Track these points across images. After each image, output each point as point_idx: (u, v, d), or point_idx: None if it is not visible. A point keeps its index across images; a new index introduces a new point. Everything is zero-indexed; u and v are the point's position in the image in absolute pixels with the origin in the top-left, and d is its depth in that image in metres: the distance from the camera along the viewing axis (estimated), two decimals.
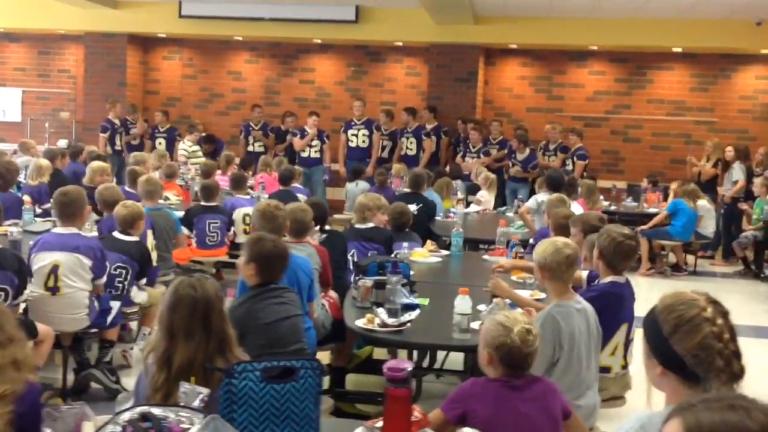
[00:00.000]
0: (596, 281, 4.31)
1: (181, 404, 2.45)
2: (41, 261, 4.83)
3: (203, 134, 12.75)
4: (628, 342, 4.27)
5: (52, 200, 5.22)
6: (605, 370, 4.00)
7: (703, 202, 10.03)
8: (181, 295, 2.82)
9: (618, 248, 4.08)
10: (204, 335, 2.76)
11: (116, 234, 5.47)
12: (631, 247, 4.14)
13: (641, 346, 2.17)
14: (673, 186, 10.69)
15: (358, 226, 5.91)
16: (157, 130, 12.81)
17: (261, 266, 3.78)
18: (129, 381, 5.26)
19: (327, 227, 6.13)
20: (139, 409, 2.36)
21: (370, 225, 5.89)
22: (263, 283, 3.81)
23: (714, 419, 1.56)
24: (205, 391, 2.44)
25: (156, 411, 2.35)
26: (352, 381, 5.38)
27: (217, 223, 7.38)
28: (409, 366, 2.46)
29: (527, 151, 11.54)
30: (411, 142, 12.13)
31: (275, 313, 3.78)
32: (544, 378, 2.97)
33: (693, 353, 2.02)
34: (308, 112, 12.31)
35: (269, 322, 3.74)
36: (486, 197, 9.97)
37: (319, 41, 13.39)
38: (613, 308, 3.96)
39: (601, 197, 9.77)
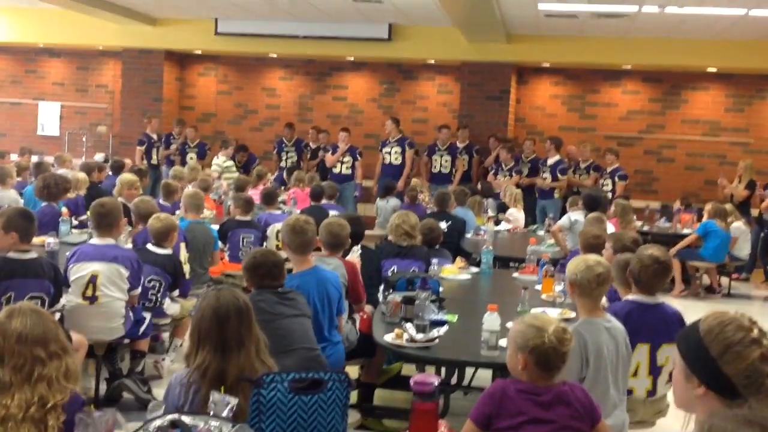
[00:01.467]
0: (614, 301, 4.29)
1: (211, 413, 2.49)
2: (80, 271, 4.91)
3: (236, 145, 12.85)
4: (656, 368, 4.18)
5: (88, 212, 5.31)
6: (628, 392, 3.92)
7: (739, 224, 9.90)
8: (229, 307, 2.83)
9: (645, 272, 4.04)
10: (252, 342, 2.81)
11: (150, 247, 5.56)
12: (657, 271, 4.07)
13: (676, 367, 2.16)
14: (708, 207, 10.57)
15: (401, 243, 5.92)
16: (187, 146, 12.96)
17: (247, 276, 4.06)
18: (160, 392, 5.31)
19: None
20: (169, 417, 2.40)
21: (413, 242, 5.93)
22: (261, 287, 3.99)
23: (725, 428, 1.57)
24: (233, 400, 2.46)
25: (186, 419, 2.39)
26: (381, 397, 5.38)
27: (250, 237, 7.42)
28: (436, 380, 2.47)
29: (557, 156, 11.54)
30: (446, 160, 12.14)
31: (280, 310, 3.92)
32: (571, 385, 2.92)
33: (744, 375, 2.02)
34: (339, 129, 12.39)
35: (274, 320, 3.85)
36: (515, 215, 9.94)
37: (353, 59, 13.50)
38: (629, 325, 3.88)
39: (635, 217, 9.69)
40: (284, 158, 12.85)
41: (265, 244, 7.72)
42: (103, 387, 5.23)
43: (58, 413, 2.54)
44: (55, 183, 7.12)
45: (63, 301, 4.75)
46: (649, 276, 4.06)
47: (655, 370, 4.16)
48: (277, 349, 3.81)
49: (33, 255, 4.58)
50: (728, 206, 10.09)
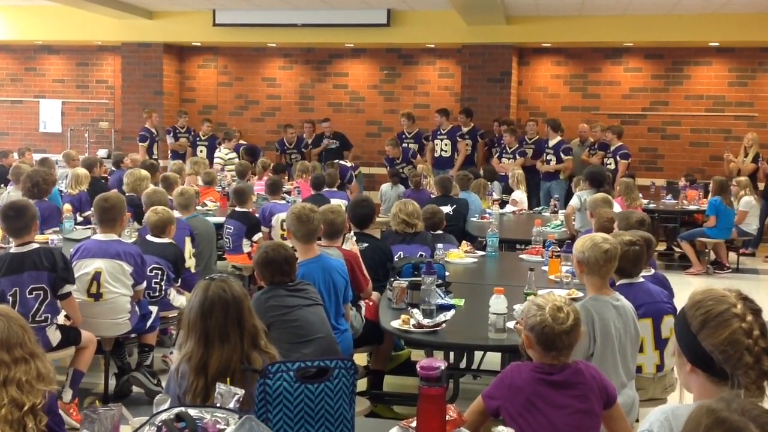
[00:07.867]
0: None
1: (218, 405, 2.47)
2: (83, 268, 4.91)
3: (243, 144, 12.72)
4: (661, 341, 4.17)
5: (92, 206, 5.29)
6: (637, 370, 3.90)
7: (749, 198, 9.86)
8: (213, 300, 2.82)
9: (623, 257, 3.97)
10: (239, 335, 2.79)
11: (149, 237, 5.57)
12: (632, 258, 4.07)
13: (673, 345, 2.14)
14: (711, 184, 10.52)
15: (402, 231, 5.94)
16: (198, 139, 12.91)
17: (259, 272, 4.01)
18: None
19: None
20: (175, 410, 2.38)
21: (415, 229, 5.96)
22: (272, 283, 3.97)
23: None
24: (240, 392, 2.45)
25: (192, 411, 2.38)
26: (391, 383, 5.38)
27: (230, 228, 7.37)
28: (442, 364, 2.45)
29: (558, 137, 11.48)
30: (446, 144, 12.10)
31: (293, 302, 3.93)
32: (585, 366, 2.89)
33: (721, 349, 1.98)
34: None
35: (289, 312, 3.87)
36: (520, 196, 9.92)
37: (352, 45, 13.43)
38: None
39: (640, 195, 9.65)
40: (289, 159, 12.80)
41: (258, 235, 7.60)
42: (112, 383, 5.24)
43: (39, 416, 2.54)
44: (43, 180, 7.00)
45: (70, 288, 4.64)
46: (625, 262, 4.03)
47: (660, 344, 4.15)
48: (295, 340, 3.81)
49: (29, 248, 4.49)
50: (743, 179, 10.06)
